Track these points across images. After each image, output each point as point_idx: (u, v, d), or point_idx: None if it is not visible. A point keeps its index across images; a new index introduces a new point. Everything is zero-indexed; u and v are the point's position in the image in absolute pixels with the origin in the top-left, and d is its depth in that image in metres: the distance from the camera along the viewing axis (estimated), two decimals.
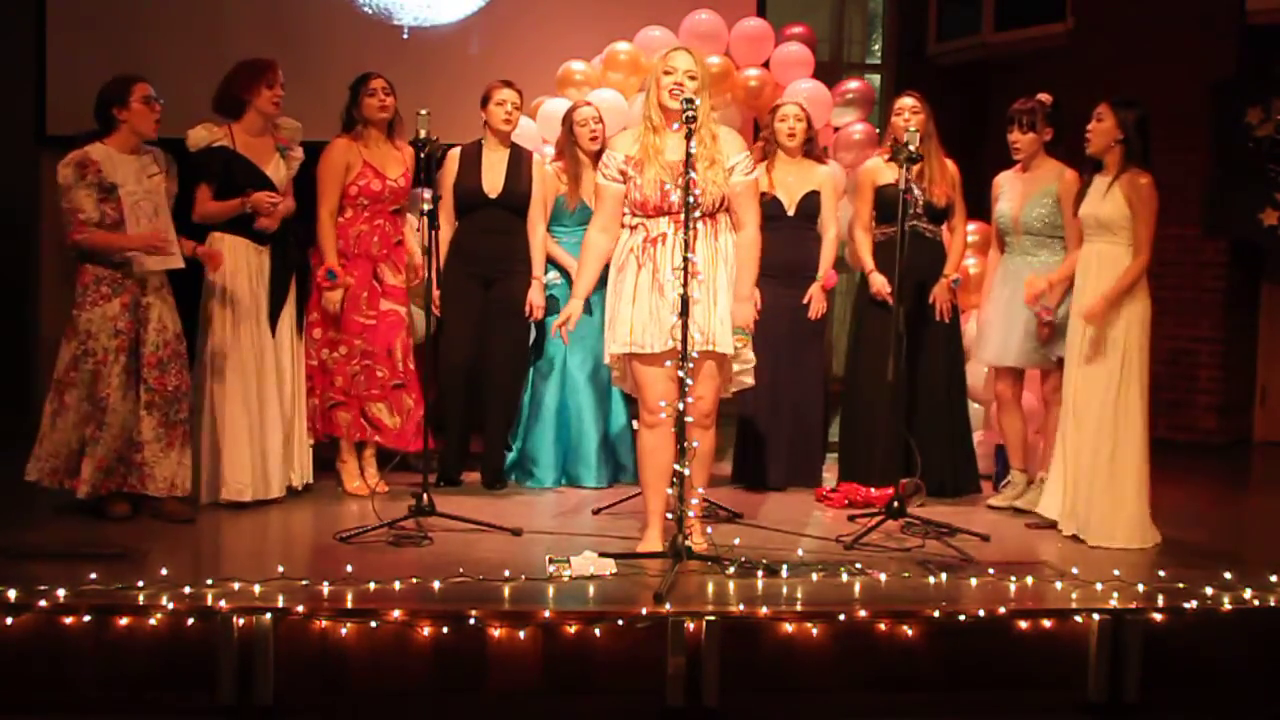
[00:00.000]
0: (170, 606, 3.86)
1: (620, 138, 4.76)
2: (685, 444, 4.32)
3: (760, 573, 4.37)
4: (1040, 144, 5.58)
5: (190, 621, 3.86)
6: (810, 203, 5.97)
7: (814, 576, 4.38)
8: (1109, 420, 4.98)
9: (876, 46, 9.60)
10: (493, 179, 5.81)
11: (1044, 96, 5.60)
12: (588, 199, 5.93)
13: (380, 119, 5.62)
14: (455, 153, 5.87)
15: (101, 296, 4.96)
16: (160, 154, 5.13)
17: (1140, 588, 4.30)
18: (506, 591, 4.13)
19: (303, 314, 5.59)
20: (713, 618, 3.91)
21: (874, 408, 5.75)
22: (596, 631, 3.92)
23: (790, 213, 5.95)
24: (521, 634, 3.91)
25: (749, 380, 4.79)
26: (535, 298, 5.84)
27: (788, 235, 5.94)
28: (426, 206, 5.00)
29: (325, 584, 4.09)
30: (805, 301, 5.94)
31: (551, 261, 5.98)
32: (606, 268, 4.70)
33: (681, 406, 4.34)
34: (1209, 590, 4.26)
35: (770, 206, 5.93)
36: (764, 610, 4.00)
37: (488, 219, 5.80)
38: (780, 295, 5.83)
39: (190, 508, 5.13)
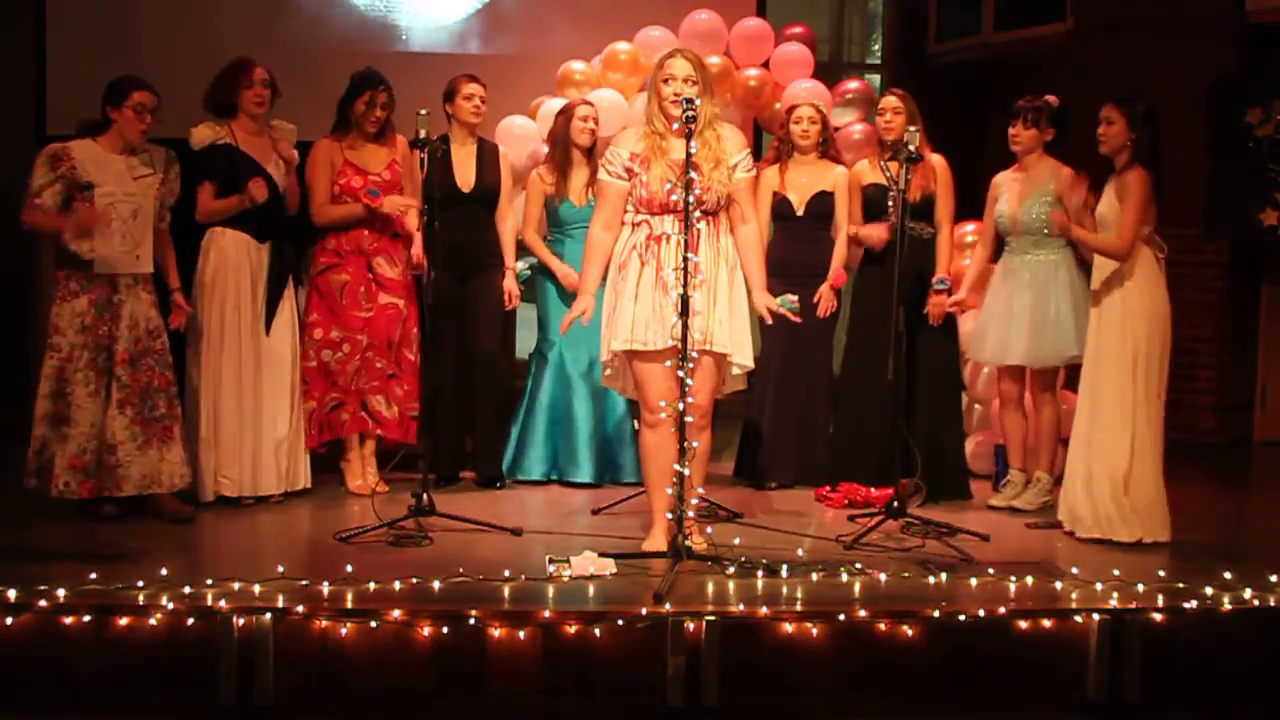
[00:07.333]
0: (170, 606, 3.87)
1: (624, 135, 4.75)
2: (685, 444, 4.33)
3: (760, 573, 4.37)
4: (1040, 142, 5.56)
5: (190, 621, 3.86)
6: (820, 203, 5.97)
7: (814, 576, 4.38)
8: (1127, 417, 4.94)
9: (876, 46, 9.60)
10: (464, 174, 5.80)
11: (1051, 98, 5.59)
12: (574, 198, 5.93)
13: (370, 132, 5.60)
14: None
15: (70, 293, 4.95)
16: (161, 153, 5.11)
17: (1140, 588, 4.30)
18: (506, 591, 4.14)
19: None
20: (713, 618, 3.91)
21: (867, 406, 5.75)
22: (596, 631, 3.92)
23: (799, 213, 5.96)
24: (521, 634, 3.91)
25: (741, 385, 4.80)
26: (511, 285, 5.89)
27: (797, 235, 5.97)
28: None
29: (325, 584, 4.09)
30: (814, 300, 5.92)
31: (522, 250, 6.02)
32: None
33: (682, 406, 4.35)
34: (1209, 590, 4.26)
35: (780, 206, 5.96)
36: (764, 610, 4.00)
37: (461, 214, 5.74)
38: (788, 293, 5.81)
39: (190, 506, 5.12)
